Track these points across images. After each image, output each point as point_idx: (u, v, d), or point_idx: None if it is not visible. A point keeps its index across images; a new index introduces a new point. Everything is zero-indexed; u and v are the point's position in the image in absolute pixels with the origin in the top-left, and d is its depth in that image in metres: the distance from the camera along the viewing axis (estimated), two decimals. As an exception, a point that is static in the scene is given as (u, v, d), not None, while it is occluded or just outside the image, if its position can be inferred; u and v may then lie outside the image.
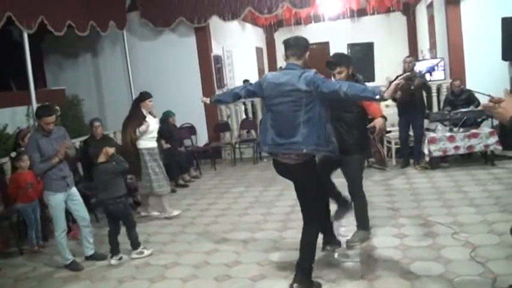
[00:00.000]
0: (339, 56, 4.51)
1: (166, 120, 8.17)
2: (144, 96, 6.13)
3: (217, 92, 9.73)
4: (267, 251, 4.63)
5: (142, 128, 5.91)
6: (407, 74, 3.42)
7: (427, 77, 8.52)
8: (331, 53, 14.67)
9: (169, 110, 8.40)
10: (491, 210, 5.13)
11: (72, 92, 10.53)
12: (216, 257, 4.66)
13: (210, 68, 9.95)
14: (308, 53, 3.62)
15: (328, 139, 3.51)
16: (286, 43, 3.61)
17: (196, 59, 9.70)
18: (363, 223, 4.68)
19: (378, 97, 3.31)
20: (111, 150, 4.91)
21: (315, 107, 3.43)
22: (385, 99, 3.36)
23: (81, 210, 4.86)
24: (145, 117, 6.00)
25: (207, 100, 4.54)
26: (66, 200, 4.74)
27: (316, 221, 3.74)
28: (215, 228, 5.60)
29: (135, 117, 6.03)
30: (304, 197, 3.71)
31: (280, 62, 15.61)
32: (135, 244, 4.95)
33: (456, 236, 4.48)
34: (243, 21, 12.85)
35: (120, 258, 4.83)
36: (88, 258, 4.91)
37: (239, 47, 12.47)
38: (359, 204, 4.64)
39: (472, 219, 4.94)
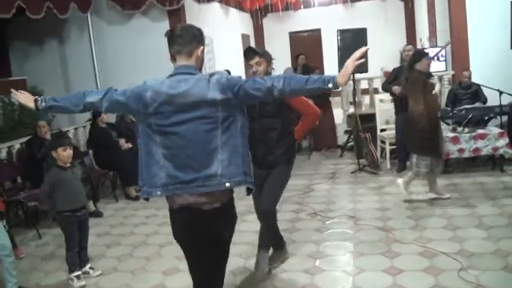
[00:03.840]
0: (258, 47, 3.85)
1: (124, 116, 7.28)
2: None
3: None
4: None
5: None
6: (366, 48, 2.31)
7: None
8: (323, 41, 13.72)
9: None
10: (505, 235, 4.20)
11: (37, 82, 9.56)
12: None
13: (185, 57, 8.96)
14: (202, 48, 2.51)
15: (251, 167, 2.49)
16: (170, 36, 2.49)
17: (168, 46, 8.76)
18: (278, 242, 4.06)
19: (330, 85, 2.28)
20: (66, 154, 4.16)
21: (235, 121, 2.40)
22: (339, 86, 2.33)
23: (0, 237, 3.91)
24: None
25: (30, 102, 2.58)
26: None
27: None
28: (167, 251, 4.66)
29: None
30: (214, 267, 2.52)
31: (270, 50, 14.69)
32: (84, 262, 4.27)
33: (464, 273, 3.54)
34: (227, 6, 11.87)
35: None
36: (10, 293, 3.97)
37: (221, 34, 11.45)
38: (272, 223, 3.89)
39: (482, 247, 4.01)
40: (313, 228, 4.86)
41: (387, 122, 7.37)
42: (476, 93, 6.93)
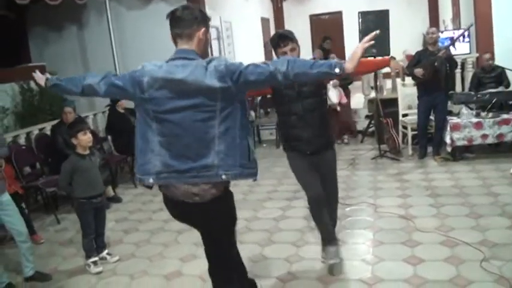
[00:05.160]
0: (290, 32, 3.48)
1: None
2: None
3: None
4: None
5: None
6: (376, 32, 2.18)
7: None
8: (344, 24, 13.45)
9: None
10: (531, 225, 4.08)
11: (56, 68, 9.59)
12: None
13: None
14: (203, 30, 2.39)
15: (252, 156, 2.38)
16: (171, 18, 2.38)
17: (188, 30, 8.69)
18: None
19: (337, 70, 2.13)
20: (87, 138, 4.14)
21: (235, 111, 2.29)
22: (348, 73, 2.19)
23: (16, 223, 3.91)
24: None
25: (41, 80, 2.69)
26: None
27: (237, 279, 2.63)
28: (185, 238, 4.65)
29: None
30: (219, 251, 2.55)
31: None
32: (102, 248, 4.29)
33: (486, 264, 3.43)
34: (248, -12, 11.73)
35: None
36: (28, 279, 4.00)
37: (241, 18, 11.31)
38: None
39: (506, 237, 3.89)
40: (332, 215, 4.78)
41: (409, 107, 7.19)
42: (500, 76, 6.71)
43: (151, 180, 2.39)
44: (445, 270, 3.44)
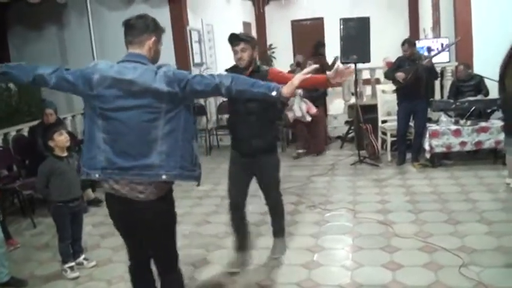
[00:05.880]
0: (245, 34, 3.85)
1: None
2: None
3: (194, 71, 8.65)
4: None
5: None
6: (316, 66, 2.42)
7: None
8: (326, 30, 13.39)
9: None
10: (507, 231, 4.11)
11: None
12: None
13: (186, 44, 8.84)
14: (154, 39, 2.48)
15: (195, 160, 2.49)
16: (125, 26, 2.50)
17: (170, 33, 8.59)
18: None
19: (274, 93, 2.35)
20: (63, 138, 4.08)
21: (179, 114, 2.40)
22: (284, 98, 2.41)
23: (-10, 227, 3.83)
24: None
25: None
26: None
27: (178, 266, 2.72)
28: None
29: None
30: (161, 248, 2.64)
31: (270, 38, 14.52)
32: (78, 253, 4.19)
33: (465, 270, 3.46)
34: (228, -8, 11.72)
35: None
36: (3, 285, 3.89)
37: (223, 21, 11.28)
38: (282, 210, 4.01)
39: (484, 243, 3.93)
40: (312, 221, 4.78)
41: (389, 114, 7.26)
42: (478, 85, 6.81)
43: (97, 176, 2.46)
44: (424, 276, 3.46)
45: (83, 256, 4.20)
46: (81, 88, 2.44)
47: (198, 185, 2.56)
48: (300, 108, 7.54)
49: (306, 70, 2.48)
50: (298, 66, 8.64)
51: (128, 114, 2.36)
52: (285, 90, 2.36)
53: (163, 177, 2.38)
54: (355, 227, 4.54)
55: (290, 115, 7.65)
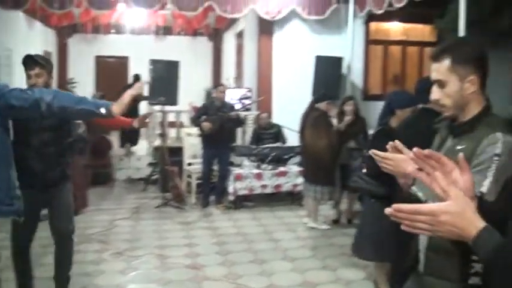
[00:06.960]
0: (42, 57, 3.45)
1: None
2: None
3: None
4: None
5: None
6: (145, 81, 2.66)
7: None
8: (131, 69, 13.17)
9: None
10: (310, 266, 4.37)
11: None
12: None
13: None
14: None
15: (13, 193, 2.20)
16: None
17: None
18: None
19: (103, 111, 2.26)
20: None
21: None
22: (114, 116, 2.36)
23: None
24: None
25: None
26: None
27: None
28: None
29: None
30: None
31: (72, 72, 13.73)
32: None
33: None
34: (32, 18, 10.83)
35: None
36: None
37: (23, 47, 10.28)
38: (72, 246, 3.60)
39: (290, 279, 4.07)
40: (118, 270, 4.36)
41: (194, 157, 7.30)
42: (277, 134, 7.32)
43: None
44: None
45: None
46: None
47: (19, 219, 2.16)
48: None
49: (136, 86, 2.48)
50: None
51: None
52: (115, 107, 2.28)
53: None
54: (164, 274, 4.28)
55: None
